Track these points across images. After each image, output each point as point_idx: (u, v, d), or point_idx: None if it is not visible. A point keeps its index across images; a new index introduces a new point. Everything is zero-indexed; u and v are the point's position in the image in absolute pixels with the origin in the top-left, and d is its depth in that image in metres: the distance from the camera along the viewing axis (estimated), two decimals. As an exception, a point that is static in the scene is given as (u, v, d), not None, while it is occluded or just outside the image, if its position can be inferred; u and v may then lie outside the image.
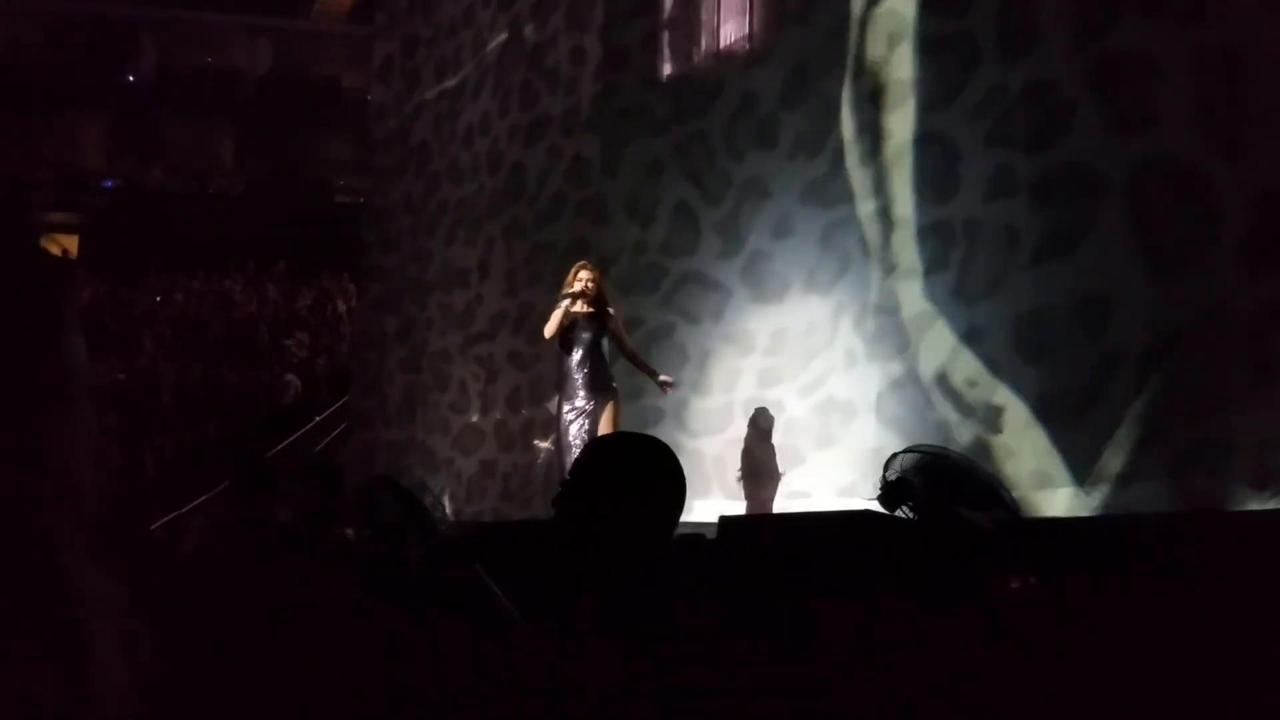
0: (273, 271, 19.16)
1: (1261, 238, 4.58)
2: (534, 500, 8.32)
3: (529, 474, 8.64)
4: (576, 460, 1.97)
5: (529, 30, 9.51)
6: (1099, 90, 5.23)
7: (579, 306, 6.25)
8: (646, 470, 1.89)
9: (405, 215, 11.20)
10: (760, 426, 6.66)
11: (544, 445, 8.33)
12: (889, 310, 6.15)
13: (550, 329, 6.28)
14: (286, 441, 13.77)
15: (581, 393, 6.25)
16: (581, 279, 6.30)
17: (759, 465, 6.61)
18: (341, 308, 17.39)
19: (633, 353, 6.61)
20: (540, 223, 9.11)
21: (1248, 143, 4.66)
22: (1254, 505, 4.47)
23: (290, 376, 15.40)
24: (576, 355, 6.27)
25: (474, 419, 9.60)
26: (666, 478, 1.90)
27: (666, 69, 8.05)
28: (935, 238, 5.93)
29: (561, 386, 6.38)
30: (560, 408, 6.34)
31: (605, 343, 6.35)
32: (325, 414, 14.15)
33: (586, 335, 6.29)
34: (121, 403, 14.01)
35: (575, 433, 6.22)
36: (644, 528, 1.84)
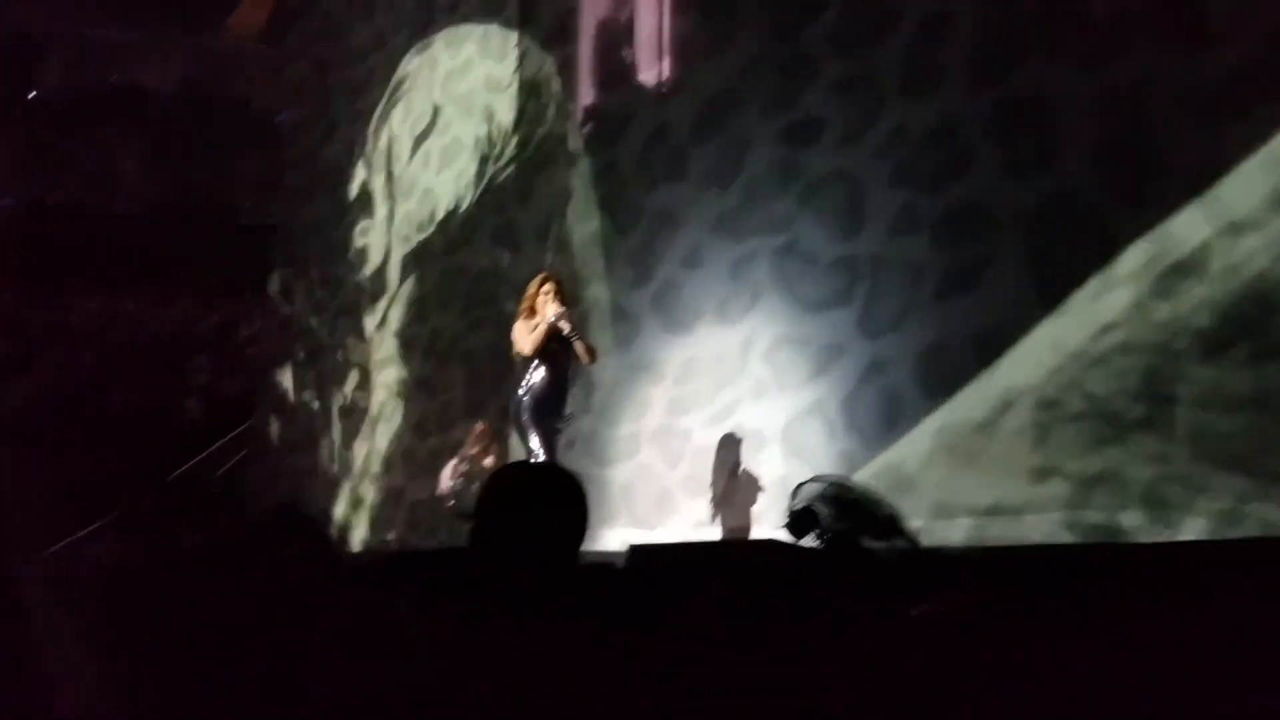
0: (177, 293, 18.72)
1: (1153, 279, 4.75)
2: (441, 529, 8.24)
3: (437, 502, 8.56)
4: (484, 488, 1.96)
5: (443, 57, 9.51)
6: (998, 132, 5.40)
7: (565, 326, 6.02)
8: (553, 498, 1.89)
9: (314, 238, 11.08)
10: (729, 452, 6.49)
11: (452, 474, 8.24)
12: (798, 342, 6.24)
13: (534, 346, 6.01)
14: (186, 466, 13.43)
15: (557, 411, 6.06)
16: (547, 291, 6.06)
17: (732, 491, 6.43)
18: (247, 331, 17.06)
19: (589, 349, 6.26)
20: (451, 248, 9.07)
21: (1143, 186, 4.84)
22: (1145, 538, 4.61)
23: (191, 400, 15.05)
24: (553, 373, 6.04)
25: (380, 446, 9.48)
26: (571, 505, 1.90)
27: (581, 99, 8.10)
28: (842, 272, 6.05)
29: (536, 406, 6.02)
30: (533, 427, 6.01)
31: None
32: (227, 439, 13.84)
33: (563, 352, 6.06)
34: (16, 424, 13.54)
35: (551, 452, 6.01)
36: (551, 555, 1.84)
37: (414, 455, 9.06)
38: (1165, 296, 4.70)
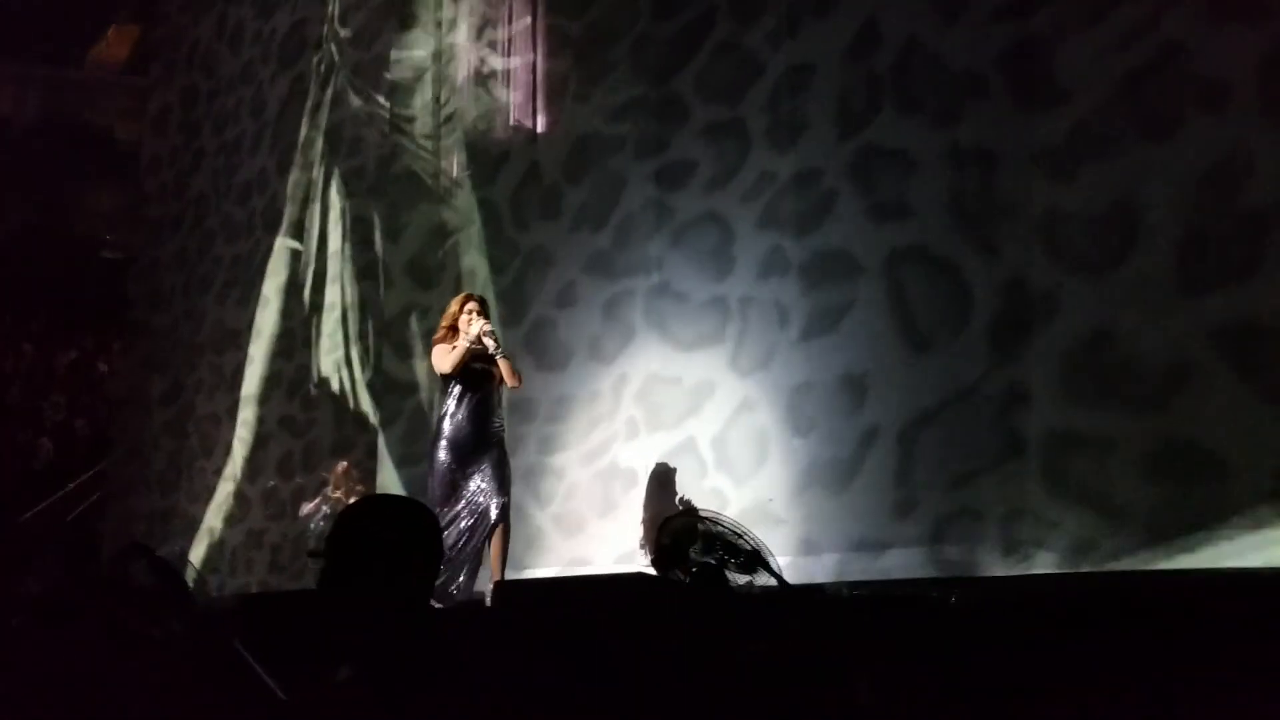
0: (30, 328, 17.94)
1: (1006, 323, 4.95)
2: (305, 572, 8.04)
3: (299, 544, 8.34)
4: (334, 525, 1.90)
5: (313, 89, 9.41)
6: (858, 180, 5.57)
7: (491, 344, 5.51)
8: (405, 534, 1.84)
9: (177, 272, 10.77)
10: (667, 485, 6.11)
11: (310, 509, 8.02)
12: (671, 380, 6.29)
13: (454, 365, 5.51)
14: (38, 508, 12.84)
15: (480, 438, 5.49)
16: (471, 309, 5.59)
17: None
18: (104, 368, 16.45)
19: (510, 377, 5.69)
20: (318, 284, 8.93)
21: (995, 234, 5.04)
22: (1001, 571, 4.76)
23: (44, 439, 14.43)
24: (476, 396, 5.52)
25: (242, 486, 9.22)
26: (424, 542, 1.85)
27: (454, 135, 8.09)
28: (713, 312, 6.14)
29: (455, 432, 5.49)
30: (449, 455, 5.49)
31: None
32: (81, 479, 13.28)
33: (486, 374, 5.55)
34: None
35: (477, 489, 5.46)
36: (402, 593, 1.79)
37: (277, 496, 8.83)
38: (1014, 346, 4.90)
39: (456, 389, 5.56)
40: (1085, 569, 4.49)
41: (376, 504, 2.29)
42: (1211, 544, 4.18)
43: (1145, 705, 2.64)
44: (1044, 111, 4.92)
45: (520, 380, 5.77)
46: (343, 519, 1.90)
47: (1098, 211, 4.69)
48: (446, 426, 5.53)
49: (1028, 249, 4.92)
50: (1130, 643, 2.80)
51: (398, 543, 1.82)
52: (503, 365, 5.60)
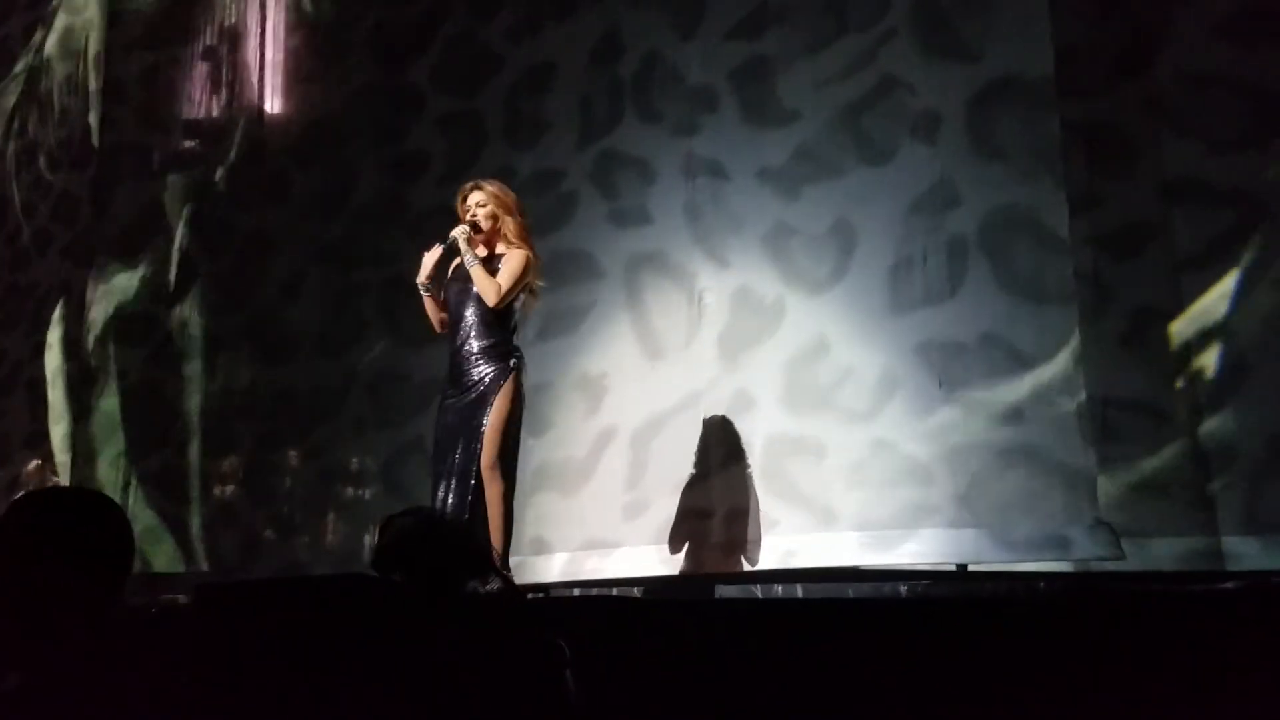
0: None
1: (735, 332, 5.13)
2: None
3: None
4: None
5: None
6: (600, 184, 5.62)
7: (464, 248, 4.27)
8: (80, 528, 1.67)
9: None
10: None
11: None
12: (401, 377, 6.15)
13: (427, 275, 4.36)
14: None
15: (458, 390, 4.27)
16: (483, 203, 4.33)
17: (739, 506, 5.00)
18: None
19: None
20: (20, 262, 8.23)
21: (726, 246, 5.21)
22: (725, 568, 4.92)
23: None
24: (454, 331, 4.32)
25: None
26: (106, 536, 1.69)
27: (176, 109, 7.62)
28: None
29: (449, 381, 4.32)
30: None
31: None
32: None
33: (466, 297, 4.29)
34: None
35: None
36: (80, 594, 1.63)
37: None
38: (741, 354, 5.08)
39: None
40: (797, 566, 4.70)
41: (50, 495, 2.07)
42: (912, 541, 4.47)
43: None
44: (771, 130, 5.13)
45: (497, 298, 4.25)
46: (10, 511, 1.69)
47: (819, 230, 4.94)
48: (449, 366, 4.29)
49: (756, 262, 5.11)
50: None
51: (75, 536, 1.64)
52: (474, 275, 4.28)
